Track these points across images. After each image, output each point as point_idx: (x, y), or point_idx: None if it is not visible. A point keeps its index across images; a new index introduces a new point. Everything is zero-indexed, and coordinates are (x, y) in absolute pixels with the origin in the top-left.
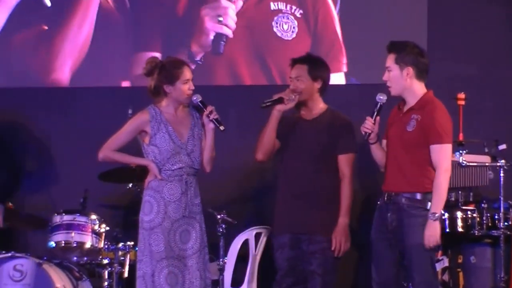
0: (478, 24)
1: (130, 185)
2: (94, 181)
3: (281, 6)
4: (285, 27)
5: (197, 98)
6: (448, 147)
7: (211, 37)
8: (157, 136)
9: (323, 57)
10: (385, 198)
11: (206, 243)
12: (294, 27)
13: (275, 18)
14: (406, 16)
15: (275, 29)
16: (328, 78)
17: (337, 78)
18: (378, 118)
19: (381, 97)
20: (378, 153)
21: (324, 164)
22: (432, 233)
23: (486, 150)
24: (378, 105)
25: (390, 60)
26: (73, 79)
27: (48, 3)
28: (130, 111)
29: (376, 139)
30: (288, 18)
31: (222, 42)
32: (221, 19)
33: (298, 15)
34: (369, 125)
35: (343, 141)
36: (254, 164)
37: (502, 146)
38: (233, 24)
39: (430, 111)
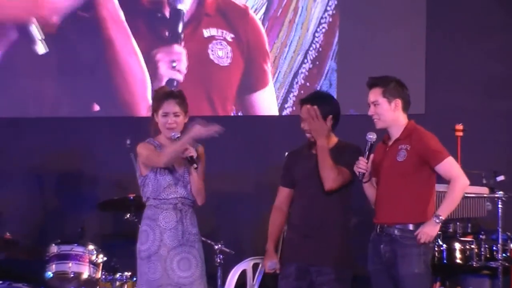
0: (476, 55)
1: (128, 215)
2: (92, 211)
3: (213, 32)
4: (220, 53)
5: (175, 134)
6: (451, 158)
7: (164, 82)
8: None
9: (254, 80)
10: (378, 230)
11: (205, 272)
12: (227, 52)
13: (210, 45)
14: (405, 46)
15: (211, 57)
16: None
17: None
18: (371, 156)
19: (371, 136)
20: (370, 191)
21: (333, 198)
22: (428, 232)
23: (484, 181)
24: (369, 144)
25: (377, 95)
26: (71, 109)
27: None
28: (128, 141)
29: (369, 177)
30: (221, 44)
31: (173, 88)
32: (174, 64)
33: (229, 39)
34: (363, 165)
35: (348, 158)
36: (251, 194)
37: (500, 178)
38: (184, 69)
39: (418, 138)
